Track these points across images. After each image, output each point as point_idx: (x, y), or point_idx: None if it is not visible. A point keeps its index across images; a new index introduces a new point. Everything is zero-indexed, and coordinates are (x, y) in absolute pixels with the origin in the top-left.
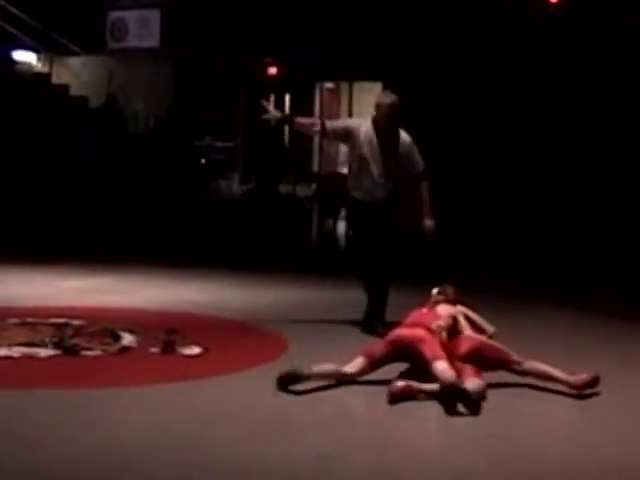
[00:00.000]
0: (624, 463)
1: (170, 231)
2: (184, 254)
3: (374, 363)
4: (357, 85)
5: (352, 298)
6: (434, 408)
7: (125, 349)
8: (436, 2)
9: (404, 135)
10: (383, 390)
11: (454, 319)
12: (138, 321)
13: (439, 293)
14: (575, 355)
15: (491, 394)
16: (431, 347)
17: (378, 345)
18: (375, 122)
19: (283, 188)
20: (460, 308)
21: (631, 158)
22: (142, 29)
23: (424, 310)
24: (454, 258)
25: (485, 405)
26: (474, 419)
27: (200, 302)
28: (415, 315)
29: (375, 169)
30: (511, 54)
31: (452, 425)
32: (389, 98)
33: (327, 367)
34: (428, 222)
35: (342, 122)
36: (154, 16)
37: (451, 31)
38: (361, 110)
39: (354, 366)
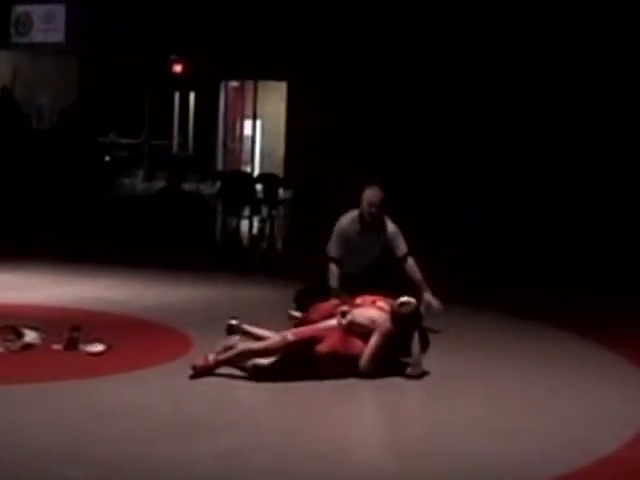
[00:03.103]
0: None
1: (74, 228)
2: (89, 251)
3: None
4: (262, 84)
5: (256, 296)
6: (342, 409)
7: (28, 346)
8: (342, 2)
9: (390, 224)
10: (289, 389)
11: (368, 322)
12: (42, 318)
13: (400, 305)
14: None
15: (404, 397)
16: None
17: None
18: (361, 216)
19: (187, 186)
20: (384, 323)
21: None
22: (47, 24)
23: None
24: None
25: (398, 406)
26: (384, 421)
27: (105, 299)
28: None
29: (360, 259)
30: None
31: (362, 426)
32: (375, 193)
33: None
34: (430, 298)
35: (339, 240)
36: (59, 11)
37: (357, 31)
38: (265, 109)
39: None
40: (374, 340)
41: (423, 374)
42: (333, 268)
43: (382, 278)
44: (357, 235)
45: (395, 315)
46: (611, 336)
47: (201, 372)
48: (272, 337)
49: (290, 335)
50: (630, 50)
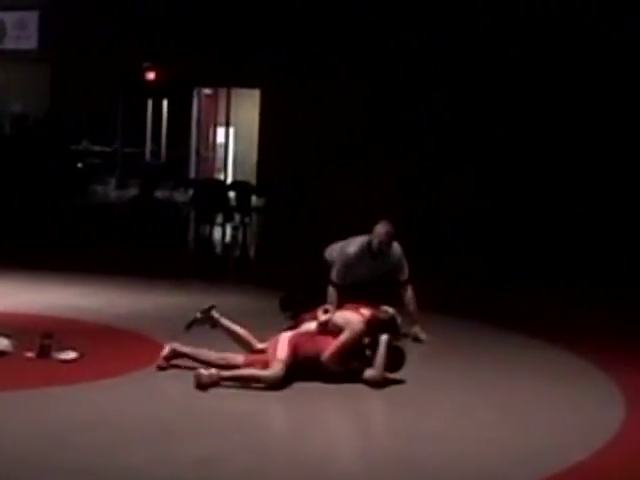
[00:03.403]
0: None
1: (46, 235)
2: (61, 258)
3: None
4: (235, 91)
5: (229, 303)
6: (314, 414)
7: (0, 354)
8: (314, 10)
9: (396, 248)
10: (262, 396)
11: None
12: (14, 325)
13: (380, 311)
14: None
15: (380, 405)
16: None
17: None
18: (369, 245)
19: (160, 194)
20: (357, 324)
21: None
22: (20, 30)
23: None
24: None
25: (366, 414)
26: (355, 428)
27: (78, 307)
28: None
29: (361, 278)
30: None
31: (332, 433)
32: (387, 229)
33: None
34: (418, 331)
35: (345, 268)
36: (32, 18)
37: (330, 38)
38: (238, 116)
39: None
40: (342, 336)
41: (384, 381)
42: (333, 294)
43: (378, 290)
44: (364, 263)
45: (371, 319)
46: (582, 343)
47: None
48: (273, 367)
49: (277, 363)
50: (603, 56)
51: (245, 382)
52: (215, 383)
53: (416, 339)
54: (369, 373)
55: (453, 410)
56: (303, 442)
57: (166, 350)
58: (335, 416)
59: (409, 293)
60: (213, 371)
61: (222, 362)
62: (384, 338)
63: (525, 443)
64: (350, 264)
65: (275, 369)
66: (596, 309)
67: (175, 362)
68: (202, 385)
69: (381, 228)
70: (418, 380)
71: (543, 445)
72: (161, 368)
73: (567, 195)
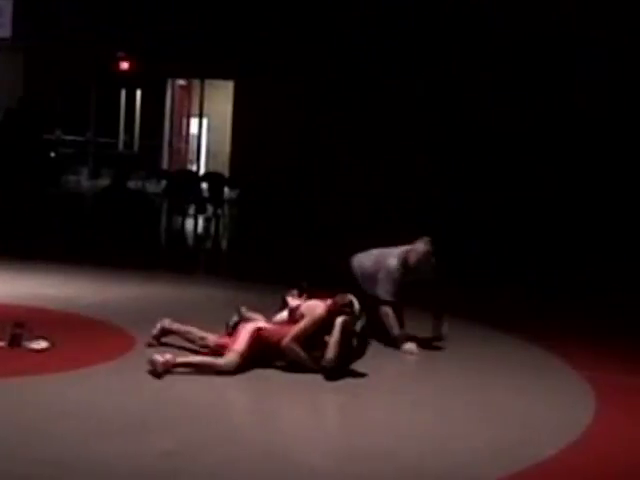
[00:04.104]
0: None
1: (18, 224)
2: (32, 248)
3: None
4: (209, 82)
5: (200, 295)
6: (281, 405)
7: None
8: (289, 2)
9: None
10: (230, 387)
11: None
12: None
13: (340, 297)
14: None
15: (335, 393)
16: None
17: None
18: (406, 260)
19: (133, 184)
20: (318, 310)
21: None
22: None
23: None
24: None
25: (333, 403)
26: (321, 419)
27: (49, 297)
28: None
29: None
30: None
31: (299, 423)
32: (427, 249)
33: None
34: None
35: (393, 285)
36: (6, 6)
37: (303, 31)
38: (212, 108)
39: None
40: (302, 322)
41: (340, 371)
42: (389, 312)
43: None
44: (402, 275)
45: (331, 305)
46: (558, 342)
47: (161, 371)
48: (228, 357)
49: (232, 353)
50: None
51: (199, 369)
52: (168, 370)
53: (438, 335)
54: (324, 361)
55: (427, 405)
56: (271, 437)
57: (157, 328)
58: (302, 407)
59: (434, 292)
60: (168, 357)
61: (201, 342)
62: (339, 320)
63: (498, 438)
64: (396, 279)
65: (228, 359)
66: (574, 309)
67: (165, 340)
68: (156, 372)
69: (421, 247)
70: (396, 374)
71: (516, 440)
72: (150, 345)
73: (555, 195)
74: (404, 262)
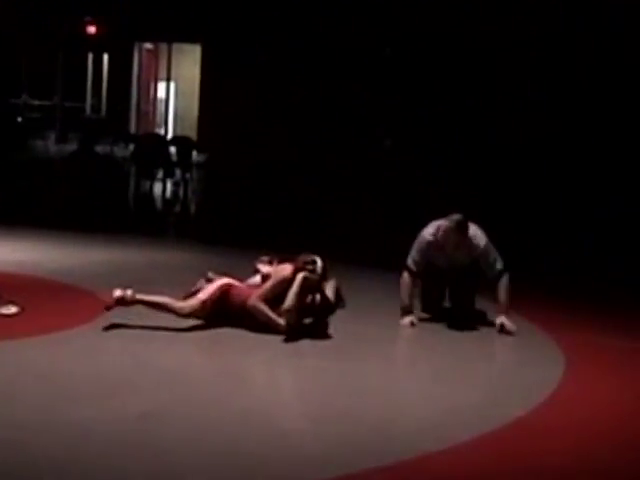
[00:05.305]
0: (441, 424)
1: None
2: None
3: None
4: (176, 46)
5: (169, 259)
6: (258, 368)
7: None
8: None
9: (477, 240)
10: (207, 348)
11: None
12: None
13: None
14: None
15: (312, 358)
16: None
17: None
18: (435, 233)
19: (100, 149)
20: (284, 271)
21: None
22: None
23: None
24: None
25: (308, 367)
26: (298, 381)
27: (16, 261)
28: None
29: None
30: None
31: (276, 386)
32: (447, 224)
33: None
34: (505, 321)
35: (418, 252)
36: None
37: None
38: (179, 72)
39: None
40: (268, 282)
41: (296, 319)
42: (406, 279)
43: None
44: (441, 251)
45: (297, 265)
46: (526, 304)
47: (116, 304)
48: (189, 301)
49: (195, 300)
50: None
51: (158, 309)
52: (126, 304)
53: (502, 329)
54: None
55: (393, 367)
56: (247, 399)
57: (117, 293)
58: (270, 369)
59: (502, 282)
60: (129, 292)
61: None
62: (300, 275)
63: (465, 398)
64: (424, 249)
65: (189, 303)
66: (546, 272)
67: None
68: (109, 306)
69: (445, 223)
70: (363, 335)
71: (483, 401)
72: (108, 308)
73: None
74: (434, 233)
